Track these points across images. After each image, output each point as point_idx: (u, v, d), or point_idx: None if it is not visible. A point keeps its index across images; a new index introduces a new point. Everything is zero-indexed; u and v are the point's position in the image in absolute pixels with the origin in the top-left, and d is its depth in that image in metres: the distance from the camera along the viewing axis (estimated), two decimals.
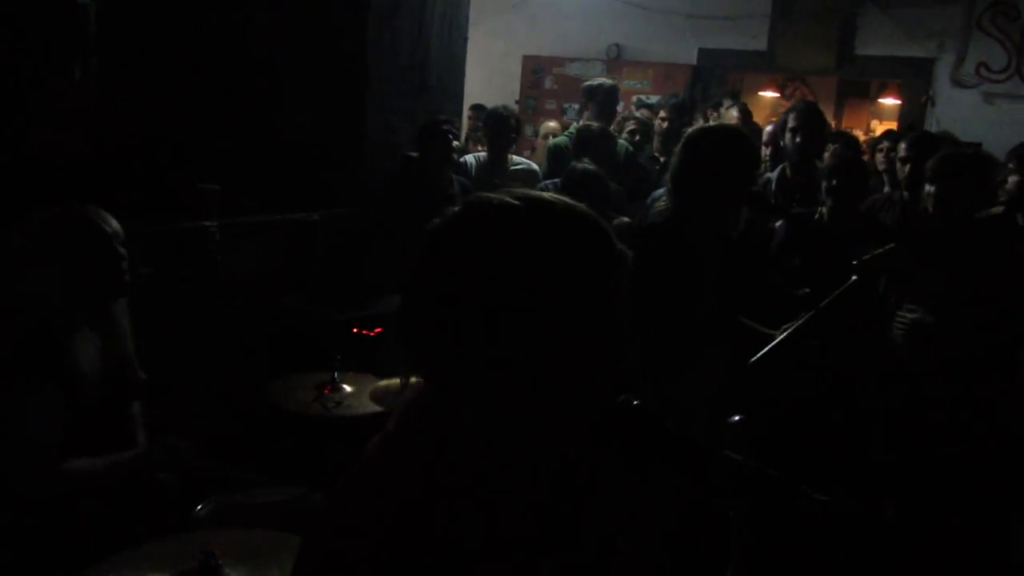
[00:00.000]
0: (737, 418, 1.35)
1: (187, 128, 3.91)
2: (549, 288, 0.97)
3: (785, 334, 2.84)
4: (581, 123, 5.62)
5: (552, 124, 6.52)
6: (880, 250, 3.22)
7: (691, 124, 5.84)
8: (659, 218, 2.76)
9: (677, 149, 2.79)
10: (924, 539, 3.13)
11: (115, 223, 2.33)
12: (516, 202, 1.01)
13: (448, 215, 1.03)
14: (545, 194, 1.06)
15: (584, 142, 4.69)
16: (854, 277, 3.06)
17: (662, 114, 5.83)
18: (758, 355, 2.72)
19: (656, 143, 5.66)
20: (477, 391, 0.99)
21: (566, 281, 0.98)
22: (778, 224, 3.93)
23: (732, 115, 5.70)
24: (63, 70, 3.59)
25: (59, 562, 1.96)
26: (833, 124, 8.95)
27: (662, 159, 5.27)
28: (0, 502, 2.13)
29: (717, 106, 6.39)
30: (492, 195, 1.03)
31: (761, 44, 7.71)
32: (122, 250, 2.32)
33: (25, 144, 3.35)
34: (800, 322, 2.87)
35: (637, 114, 6.16)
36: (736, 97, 5.96)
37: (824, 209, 3.64)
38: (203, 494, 2.39)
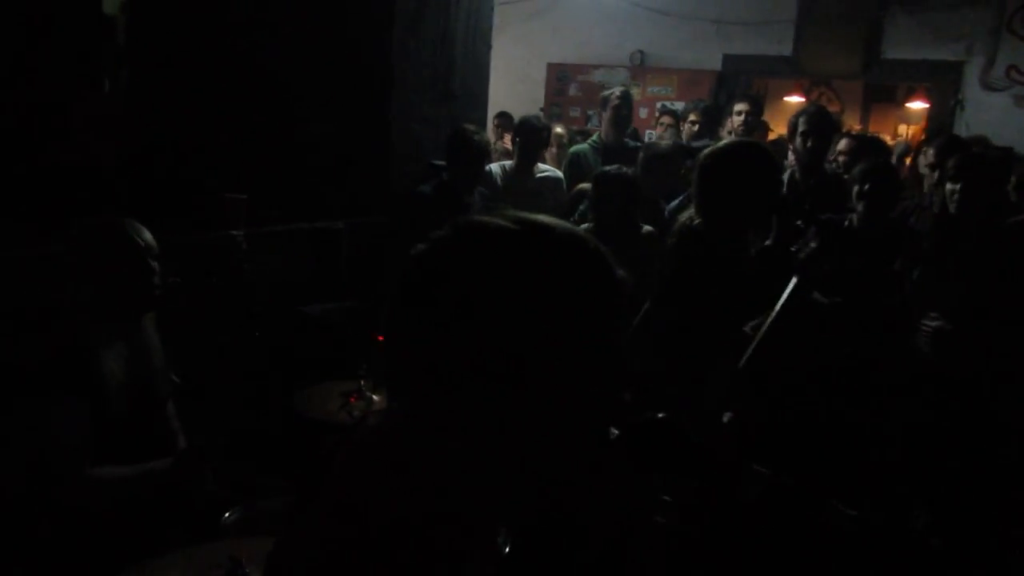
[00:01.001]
0: (727, 416, 1.34)
1: (214, 137, 3.95)
2: (545, 315, 0.93)
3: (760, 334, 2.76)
4: (600, 131, 5.62)
5: (559, 130, 6.51)
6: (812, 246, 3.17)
7: (721, 127, 5.82)
8: (683, 229, 2.74)
9: (695, 173, 2.77)
10: (955, 548, 3.08)
11: (148, 235, 2.35)
12: (514, 226, 0.97)
13: (439, 238, 0.99)
14: (544, 217, 1.01)
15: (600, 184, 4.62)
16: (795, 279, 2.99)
17: (692, 118, 5.82)
18: (744, 358, 2.66)
19: None
20: (462, 417, 0.95)
21: (563, 308, 0.94)
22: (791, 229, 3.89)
23: (738, 109, 5.62)
24: (93, 81, 3.64)
25: (87, 570, 1.97)
26: (859, 128, 8.87)
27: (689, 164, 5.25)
28: (28, 510, 2.15)
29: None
30: (487, 218, 1.00)
31: (786, 49, 7.66)
32: (154, 264, 2.34)
33: (56, 154, 3.39)
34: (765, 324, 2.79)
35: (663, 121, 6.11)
36: (752, 98, 5.86)
37: (854, 216, 3.60)
38: (230, 502, 2.40)
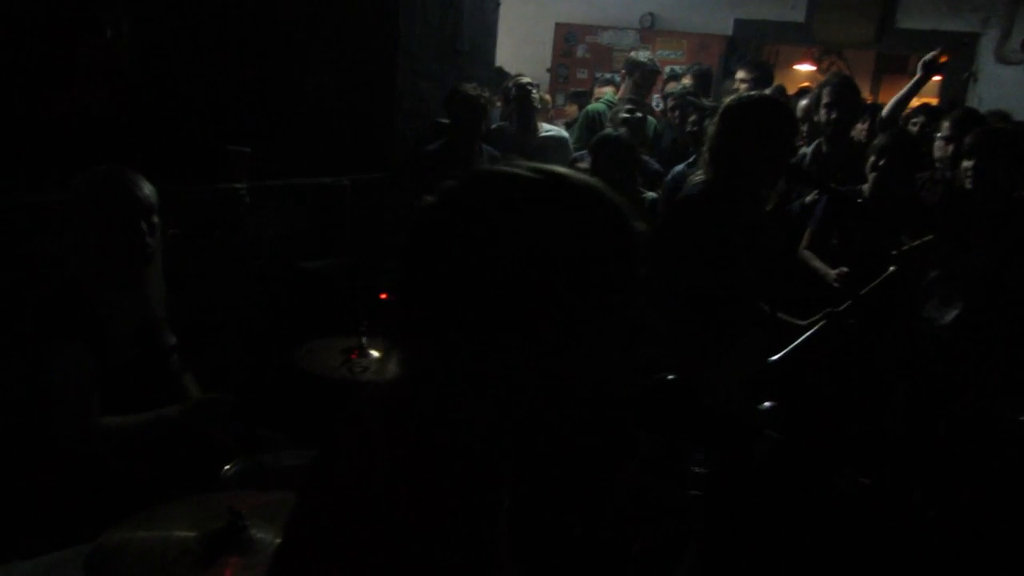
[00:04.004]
0: (768, 404, 1.32)
1: (219, 89, 3.90)
2: (564, 260, 0.90)
3: (814, 330, 2.77)
4: (619, 95, 5.60)
5: (546, 96, 6.52)
6: (919, 241, 3.15)
7: (709, 95, 5.80)
8: (694, 190, 2.70)
9: (715, 118, 2.73)
10: (950, 523, 3.10)
11: (149, 188, 2.32)
12: (530, 173, 0.94)
13: (453, 186, 0.96)
14: (561, 168, 0.99)
15: (597, 150, 4.61)
16: (892, 268, 3.00)
17: (685, 81, 5.81)
18: (786, 350, 2.65)
19: None
20: (476, 370, 0.93)
21: (582, 254, 0.92)
22: (810, 200, 3.86)
23: (740, 76, 5.60)
24: (94, 30, 3.58)
25: (87, 518, 1.98)
26: (869, 99, 8.78)
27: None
28: (33, 458, 2.15)
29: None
30: (503, 166, 0.97)
31: (799, 15, 7.55)
32: (150, 220, 2.31)
33: (57, 103, 3.35)
34: (827, 318, 2.81)
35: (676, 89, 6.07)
36: (754, 65, 5.83)
37: (866, 187, 3.56)
38: (230, 455, 2.40)
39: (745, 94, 2.86)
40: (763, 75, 5.63)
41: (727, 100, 2.78)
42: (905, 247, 3.10)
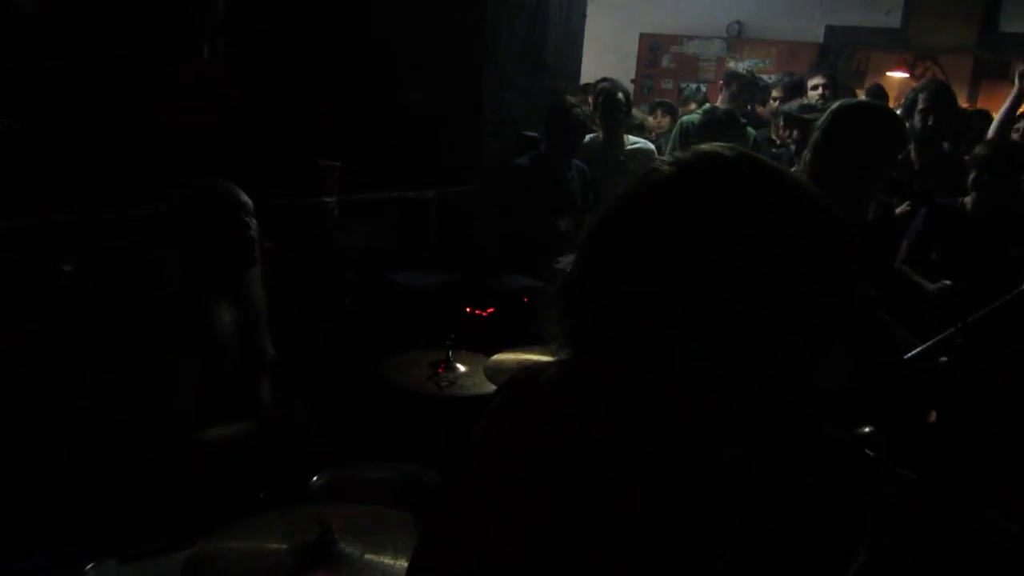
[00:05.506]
0: (868, 429, 1.24)
1: (308, 105, 3.98)
2: (785, 254, 0.87)
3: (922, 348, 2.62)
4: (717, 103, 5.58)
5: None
6: None
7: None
8: None
9: (823, 121, 2.63)
10: None
11: (244, 196, 2.39)
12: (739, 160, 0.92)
13: (668, 165, 0.93)
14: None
15: (707, 126, 4.57)
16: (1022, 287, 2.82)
17: (774, 93, 5.69)
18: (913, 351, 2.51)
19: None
20: (673, 367, 0.88)
21: (835, 268, 0.90)
22: (900, 211, 3.70)
23: (813, 83, 5.48)
24: (193, 48, 3.69)
25: (179, 528, 2.02)
26: (966, 105, 8.43)
27: (778, 141, 5.11)
28: (133, 468, 2.21)
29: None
30: (718, 146, 0.94)
31: (894, 20, 7.33)
32: (251, 220, 2.38)
33: (157, 121, 3.47)
34: (941, 338, 2.65)
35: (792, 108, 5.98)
36: (828, 74, 5.74)
37: (968, 199, 3.40)
38: (317, 466, 2.43)
39: (859, 100, 2.77)
40: (835, 83, 5.51)
41: (840, 102, 2.69)
42: None
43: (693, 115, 5.35)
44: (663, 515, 0.88)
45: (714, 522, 0.90)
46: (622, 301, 0.89)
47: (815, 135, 2.62)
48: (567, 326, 0.95)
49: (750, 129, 5.26)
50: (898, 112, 4.62)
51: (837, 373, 2.44)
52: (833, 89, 5.43)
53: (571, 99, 4.26)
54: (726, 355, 0.86)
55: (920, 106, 3.99)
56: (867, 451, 0.92)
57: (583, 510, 0.87)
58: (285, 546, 1.76)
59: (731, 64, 5.95)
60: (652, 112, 6.74)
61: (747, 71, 5.73)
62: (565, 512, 0.87)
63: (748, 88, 5.66)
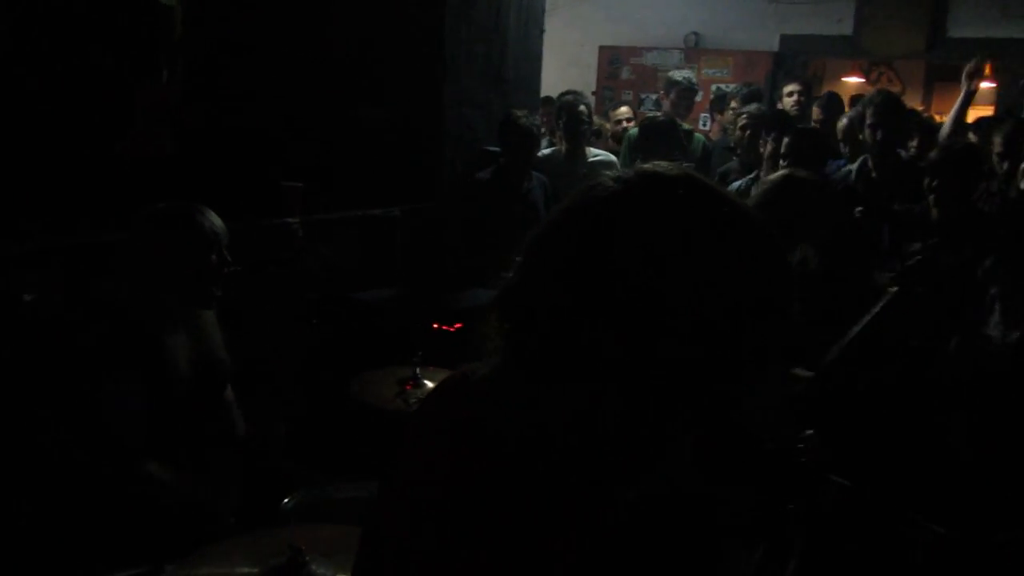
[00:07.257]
0: (809, 432, 1.27)
1: (268, 125, 3.98)
2: (723, 273, 0.87)
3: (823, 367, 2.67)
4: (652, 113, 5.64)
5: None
6: (915, 259, 3.04)
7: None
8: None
9: (763, 191, 2.72)
10: None
11: (218, 221, 2.36)
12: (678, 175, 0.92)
13: (613, 188, 0.92)
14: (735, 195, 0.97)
15: (645, 135, 4.64)
16: (894, 288, 2.88)
17: (733, 104, 5.78)
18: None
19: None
20: (603, 383, 0.88)
21: (771, 288, 0.90)
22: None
23: (788, 91, 5.60)
24: (151, 72, 3.68)
25: (148, 552, 2.00)
26: (920, 108, 8.60)
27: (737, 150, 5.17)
28: (85, 490, 2.18)
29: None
30: (661, 166, 0.94)
31: (847, 28, 7.48)
32: (215, 256, 2.33)
33: (116, 144, 3.45)
34: (836, 350, 2.70)
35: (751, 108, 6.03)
36: (802, 80, 5.85)
37: (928, 204, 3.46)
38: (288, 488, 2.42)
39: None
40: (808, 90, 5.64)
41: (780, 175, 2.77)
42: (910, 263, 2.99)
43: (636, 128, 5.43)
44: (578, 526, 0.89)
45: (629, 535, 0.91)
46: (553, 314, 0.89)
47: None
48: (504, 332, 0.96)
49: (698, 135, 5.35)
50: (846, 120, 4.72)
51: (771, 389, 2.50)
52: (808, 96, 5.58)
53: (517, 112, 4.28)
54: (652, 374, 0.86)
55: (868, 121, 4.02)
56: (800, 459, 0.95)
57: (499, 517, 0.90)
58: (256, 570, 1.76)
59: (671, 74, 5.99)
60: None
61: (684, 78, 5.77)
62: (481, 515, 0.90)
63: (686, 95, 5.72)
